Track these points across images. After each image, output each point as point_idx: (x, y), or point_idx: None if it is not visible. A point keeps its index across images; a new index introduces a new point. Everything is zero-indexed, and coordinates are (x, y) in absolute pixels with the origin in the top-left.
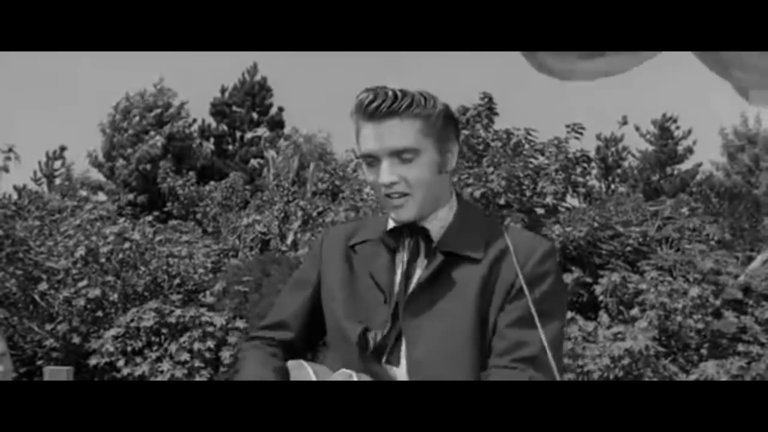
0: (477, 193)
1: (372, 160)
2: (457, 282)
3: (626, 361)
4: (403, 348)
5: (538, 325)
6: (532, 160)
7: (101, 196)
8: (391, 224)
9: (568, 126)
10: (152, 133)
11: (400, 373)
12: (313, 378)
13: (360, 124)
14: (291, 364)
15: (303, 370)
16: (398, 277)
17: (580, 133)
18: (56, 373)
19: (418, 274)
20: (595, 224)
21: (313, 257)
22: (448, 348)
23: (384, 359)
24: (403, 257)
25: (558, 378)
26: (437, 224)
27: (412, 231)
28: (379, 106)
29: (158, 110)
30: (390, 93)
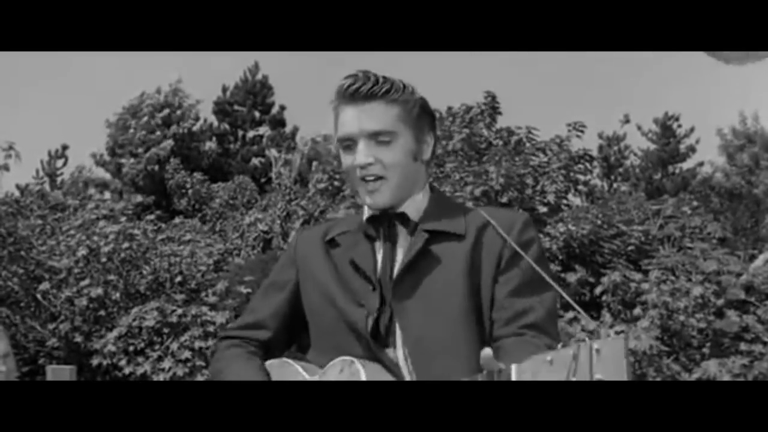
0: (477, 192)
1: (350, 143)
2: (443, 259)
3: (630, 361)
4: (398, 331)
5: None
6: (534, 158)
7: (106, 194)
8: (367, 214)
9: (569, 124)
10: (158, 133)
11: (399, 355)
12: (303, 374)
13: (339, 108)
14: (273, 362)
15: (290, 368)
16: (379, 263)
17: (582, 131)
18: (59, 372)
19: (400, 258)
20: (598, 222)
21: (288, 259)
22: (442, 325)
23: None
24: (381, 244)
25: (559, 343)
26: (413, 207)
27: (389, 217)
28: (359, 88)
29: (167, 110)
30: (371, 77)
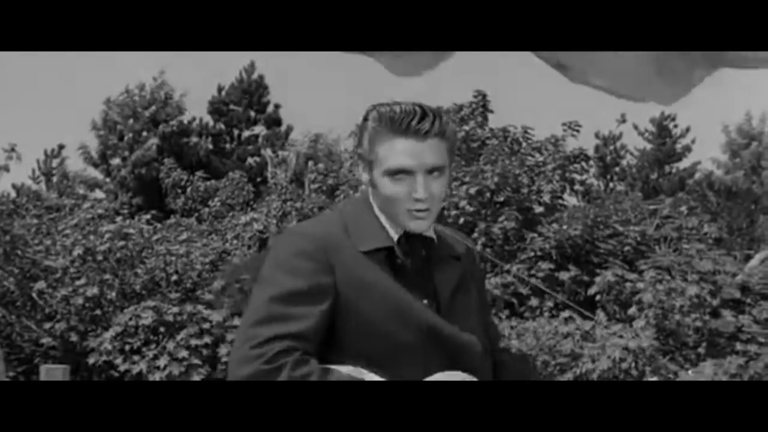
0: (472, 191)
1: (403, 175)
2: (465, 282)
3: (628, 360)
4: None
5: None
6: (529, 158)
7: (99, 194)
8: (390, 231)
9: (564, 124)
10: (145, 134)
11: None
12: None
13: (389, 138)
14: (348, 370)
15: (359, 375)
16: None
17: (577, 131)
18: (52, 372)
19: (441, 277)
20: (589, 222)
21: (322, 266)
22: (479, 338)
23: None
24: (409, 264)
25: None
26: (429, 232)
27: (419, 240)
28: (426, 127)
29: (153, 108)
30: (431, 113)
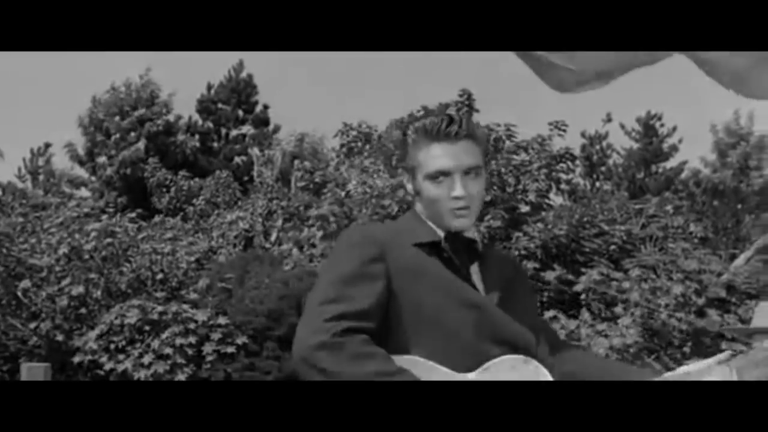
0: None
1: (442, 177)
2: (510, 281)
3: (613, 359)
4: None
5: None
6: (515, 157)
7: (84, 192)
8: (437, 231)
9: (551, 123)
10: (133, 134)
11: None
12: (445, 370)
13: (427, 145)
14: (403, 360)
15: (435, 370)
16: (463, 276)
17: (564, 131)
18: (34, 370)
19: (483, 275)
20: (574, 221)
21: (375, 252)
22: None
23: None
24: (454, 261)
25: None
26: (473, 235)
27: (463, 240)
28: (456, 130)
29: (143, 110)
30: (457, 118)
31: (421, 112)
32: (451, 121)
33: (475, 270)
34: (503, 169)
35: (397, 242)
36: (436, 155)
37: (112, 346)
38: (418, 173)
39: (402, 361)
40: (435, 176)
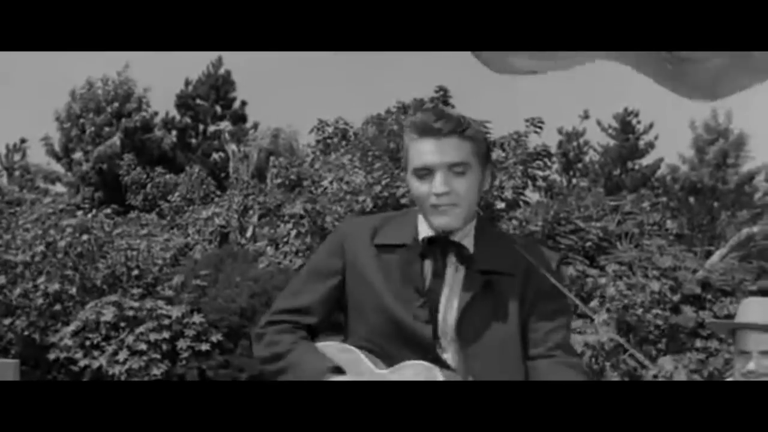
0: None
1: (426, 172)
2: (502, 296)
3: (587, 355)
4: (459, 355)
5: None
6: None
7: (59, 187)
8: (424, 231)
9: (527, 120)
10: (107, 129)
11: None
12: (369, 364)
13: (417, 140)
14: (331, 345)
15: (353, 355)
16: (427, 283)
17: (540, 128)
18: (3, 366)
19: (448, 282)
20: (550, 218)
21: (335, 249)
22: (505, 359)
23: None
24: (431, 264)
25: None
26: (465, 236)
27: (445, 242)
28: (444, 126)
29: (116, 104)
30: (452, 115)
31: (398, 107)
32: (440, 117)
33: (453, 275)
34: None
35: (363, 239)
36: (422, 151)
37: (87, 343)
38: (408, 169)
39: (332, 347)
40: (419, 171)
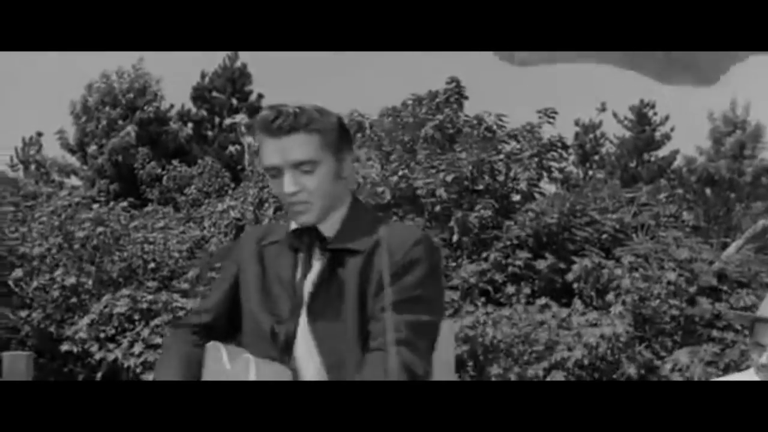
0: (448, 178)
1: (275, 171)
2: (343, 277)
3: (602, 348)
4: (313, 343)
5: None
6: (505, 145)
7: (74, 180)
8: (293, 226)
9: (539, 111)
10: (121, 122)
11: (309, 365)
12: (224, 357)
13: (262, 139)
14: (209, 344)
15: (217, 352)
16: (299, 275)
17: (553, 118)
18: (16, 359)
19: (314, 272)
20: (566, 209)
21: (234, 254)
22: (342, 339)
23: (294, 351)
24: (302, 256)
25: (420, 366)
26: (330, 223)
27: (308, 232)
28: (281, 124)
29: (131, 95)
30: (291, 111)
31: (413, 100)
32: (278, 115)
33: (318, 265)
34: (494, 158)
35: (252, 240)
36: (267, 151)
37: (102, 335)
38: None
39: (209, 346)
40: (269, 171)
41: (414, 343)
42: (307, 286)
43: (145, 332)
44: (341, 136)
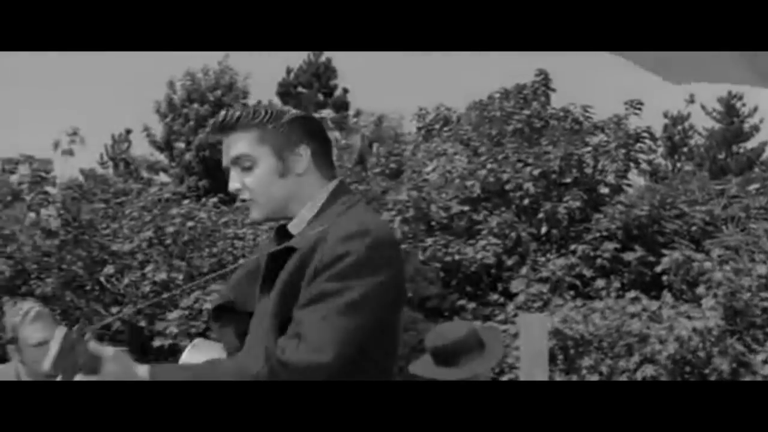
0: (536, 172)
1: (227, 171)
2: (279, 274)
3: (695, 341)
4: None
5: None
6: (591, 137)
7: (163, 177)
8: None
9: (626, 103)
10: (209, 119)
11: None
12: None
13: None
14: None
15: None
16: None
17: (639, 109)
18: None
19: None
20: (656, 202)
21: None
22: (258, 337)
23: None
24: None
25: (329, 358)
26: (297, 220)
27: (279, 229)
28: (222, 122)
29: (218, 92)
30: (230, 110)
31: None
32: (222, 116)
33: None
34: (581, 150)
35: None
36: (221, 151)
37: (192, 330)
38: None
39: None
40: (225, 171)
41: (307, 337)
42: (259, 281)
43: None
44: (291, 131)
